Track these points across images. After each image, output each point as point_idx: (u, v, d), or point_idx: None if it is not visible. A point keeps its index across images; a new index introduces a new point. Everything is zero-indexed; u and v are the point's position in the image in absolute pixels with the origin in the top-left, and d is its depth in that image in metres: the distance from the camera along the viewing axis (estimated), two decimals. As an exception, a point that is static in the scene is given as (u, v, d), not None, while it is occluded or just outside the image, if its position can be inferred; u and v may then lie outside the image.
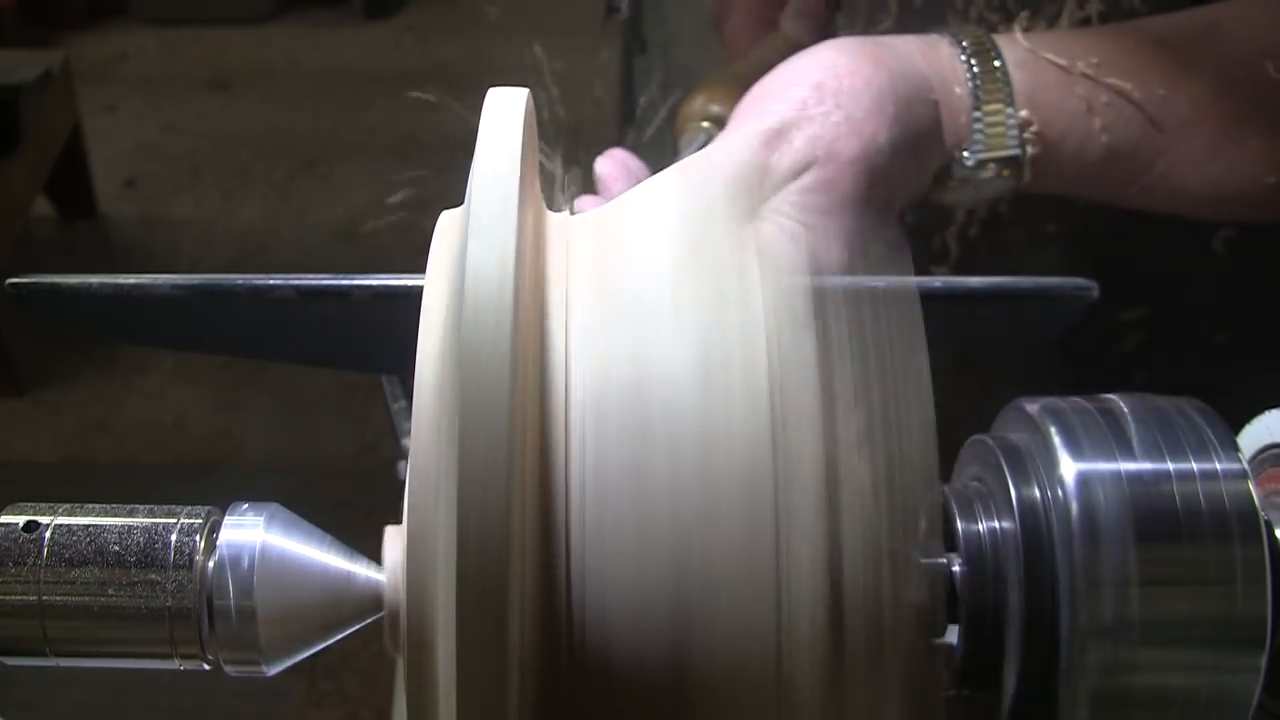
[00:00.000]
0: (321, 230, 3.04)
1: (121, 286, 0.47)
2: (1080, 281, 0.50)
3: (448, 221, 0.36)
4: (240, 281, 0.48)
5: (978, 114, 0.55)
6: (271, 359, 0.51)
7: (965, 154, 0.55)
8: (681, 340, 0.32)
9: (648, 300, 0.33)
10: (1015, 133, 0.55)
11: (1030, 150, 0.56)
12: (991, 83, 0.55)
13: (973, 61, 0.56)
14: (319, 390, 2.48)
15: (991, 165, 0.56)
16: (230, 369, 2.53)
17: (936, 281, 0.50)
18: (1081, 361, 0.72)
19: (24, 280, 0.48)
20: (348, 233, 3.02)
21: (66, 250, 2.95)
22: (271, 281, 0.47)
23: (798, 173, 0.49)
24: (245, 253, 2.94)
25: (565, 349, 0.32)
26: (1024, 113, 0.55)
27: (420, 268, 0.35)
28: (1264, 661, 0.33)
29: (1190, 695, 0.34)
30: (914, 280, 0.37)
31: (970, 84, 0.55)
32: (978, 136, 0.55)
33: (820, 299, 0.34)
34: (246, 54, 3.90)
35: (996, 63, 0.56)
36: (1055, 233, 0.71)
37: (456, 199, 0.35)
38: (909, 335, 0.34)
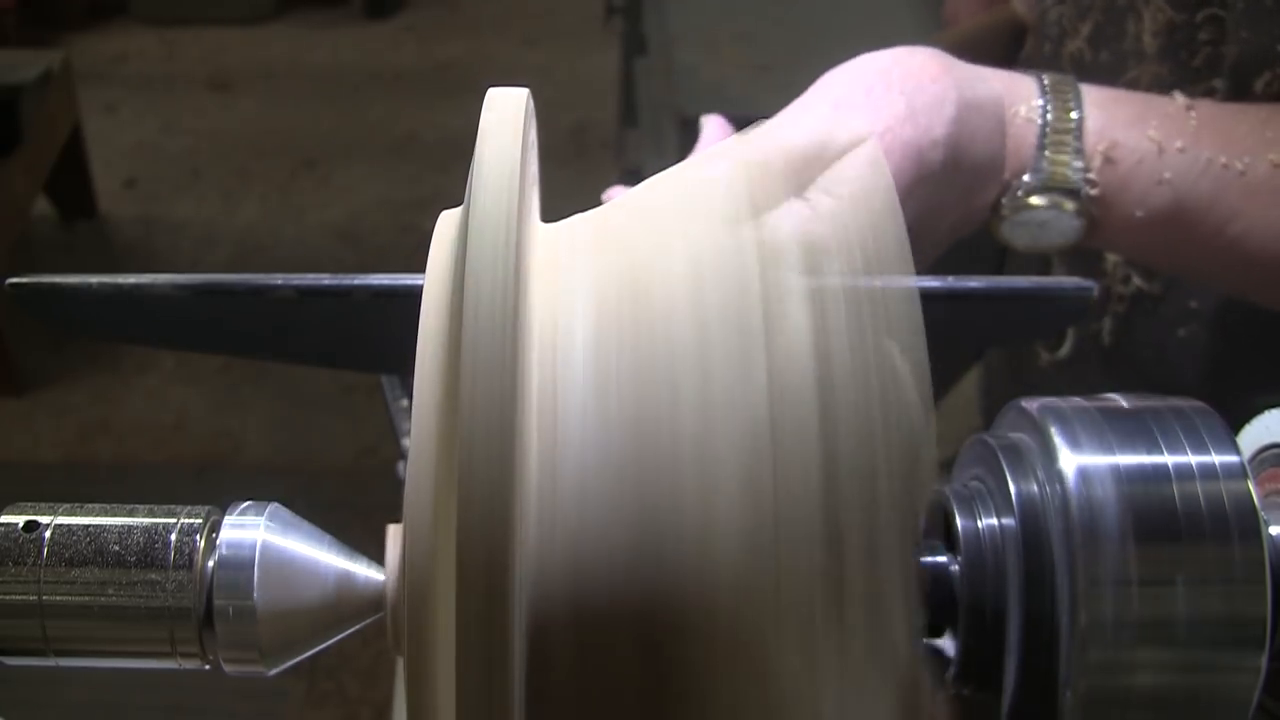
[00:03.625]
0: (321, 230, 3.04)
1: (121, 286, 0.47)
2: (1080, 281, 0.50)
3: (448, 222, 0.36)
4: (240, 281, 0.48)
5: (1044, 134, 0.55)
6: (271, 359, 0.51)
7: (1026, 177, 0.55)
8: (684, 333, 0.32)
9: (654, 297, 0.33)
10: (1080, 164, 0.55)
11: (1091, 188, 0.55)
12: (1062, 104, 0.56)
13: (1046, 84, 0.56)
14: (319, 390, 2.48)
15: (1051, 195, 0.55)
16: (230, 369, 2.54)
17: (936, 281, 0.50)
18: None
19: (24, 280, 0.48)
20: (348, 233, 3.02)
21: (66, 250, 2.95)
22: (271, 281, 0.47)
23: (850, 150, 0.49)
24: (245, 253, 2.94)
25: (566, 348, 0.32)
26: (1094, 144, 0.55)
27: (420, 268, 0.35)
28: (1264, 661, 0.33)
29: (1190, 695, 0.34)
30: (914, 280, 0.37)
31: (1041, 100, 0.56)
32: (1041, 163, 0.55)
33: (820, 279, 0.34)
34: (246, 54, 3.90)
35: (1069, 91, 0.56)
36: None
37: (456, 199, 0.35)
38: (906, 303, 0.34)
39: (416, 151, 3.32)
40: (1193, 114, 0.57)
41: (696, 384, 0.31)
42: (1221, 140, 0.56)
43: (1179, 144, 0.56)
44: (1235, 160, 0.56)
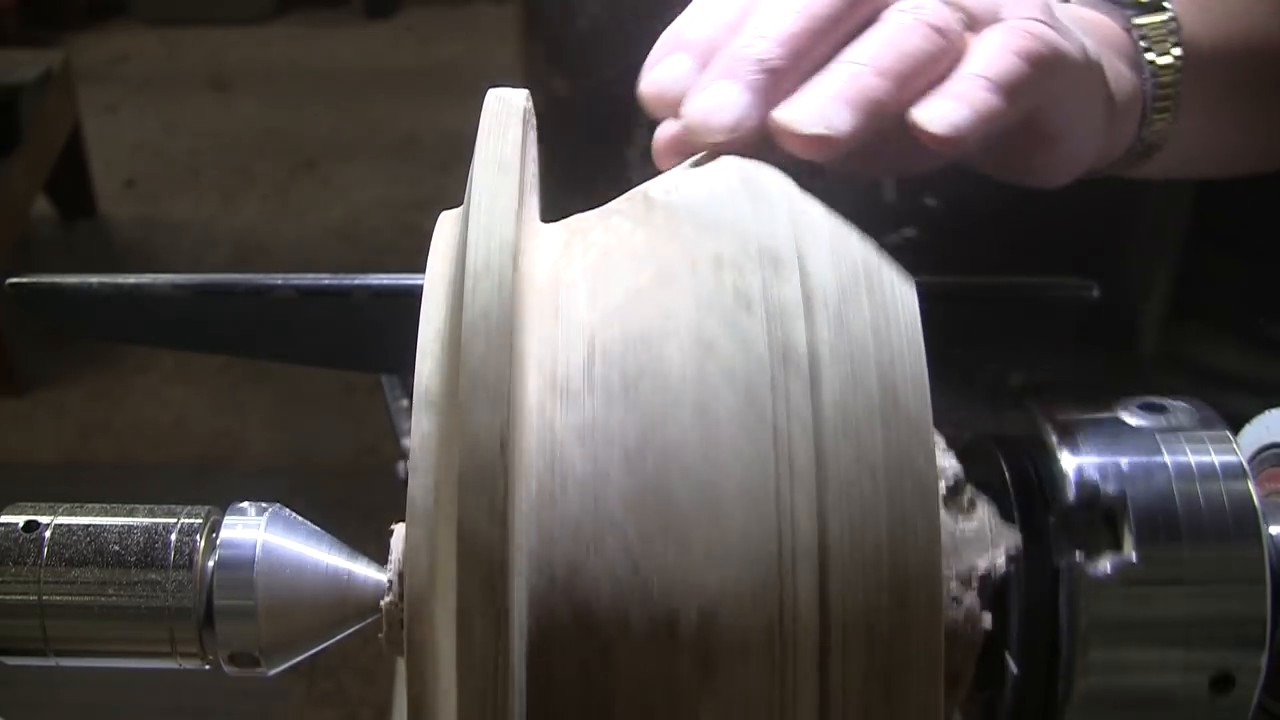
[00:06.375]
0: (321, 230, 3.04)
1: (121, 286, 0.47)
2: (1081, 281, 0.50)
3: (448, 222, 0.36)
4: (240, 281, 0.47)
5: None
6: (271, 359, 0.51)
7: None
8: (681, 341, 0.32)
9: (651, 299, 0.33)
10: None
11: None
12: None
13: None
14: (319, 390, 2.48)
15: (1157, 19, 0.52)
16: (230, 369, 2.53)
17: (935, 281, 0.50)
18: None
19: (24, 280, 0.48)
20: (348, 233, 3.02)
21: (66, 250, 2.95)
22: (271, 281, 0.47)
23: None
24: (245, 253, 2.94)
25: (567, 348, 0.32)
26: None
27: (420, 268, 0.35)
28: (1264, 661, 0.33)
29: (1190, 695, 0.34)
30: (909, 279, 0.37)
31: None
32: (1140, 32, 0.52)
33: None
34: (246, 54, 3.90)
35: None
36: None
37: (456, 199, 0.35)
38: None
39: (416, 151, 3.32)
40: None
41: (698, 389, 0.31)
42: None
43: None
44: None
